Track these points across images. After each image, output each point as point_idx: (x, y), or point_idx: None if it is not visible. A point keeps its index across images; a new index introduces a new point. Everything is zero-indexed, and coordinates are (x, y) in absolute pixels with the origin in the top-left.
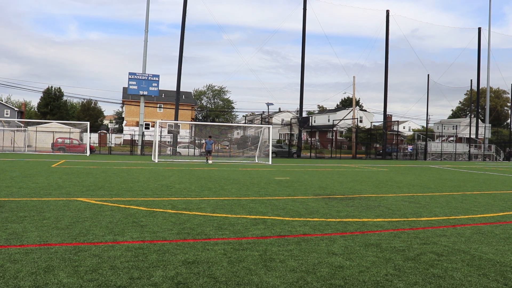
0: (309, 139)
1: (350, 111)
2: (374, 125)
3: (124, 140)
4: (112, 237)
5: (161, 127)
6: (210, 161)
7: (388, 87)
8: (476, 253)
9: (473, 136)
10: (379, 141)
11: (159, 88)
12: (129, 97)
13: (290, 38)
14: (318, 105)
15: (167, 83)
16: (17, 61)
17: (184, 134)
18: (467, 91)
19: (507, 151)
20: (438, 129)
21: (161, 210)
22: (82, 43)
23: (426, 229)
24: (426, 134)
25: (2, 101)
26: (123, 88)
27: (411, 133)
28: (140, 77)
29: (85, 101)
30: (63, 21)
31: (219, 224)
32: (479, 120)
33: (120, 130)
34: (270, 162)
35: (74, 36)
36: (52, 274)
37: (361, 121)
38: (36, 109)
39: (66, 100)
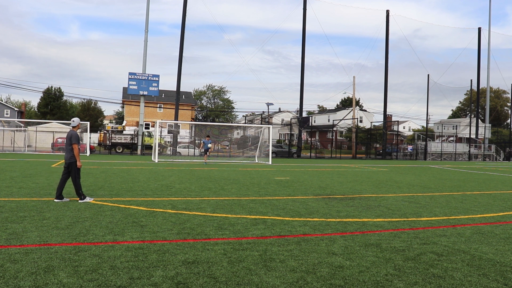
0: (309, 139)
1: (350, 111)
2: (374, 125)
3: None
4: (112, 237)
5: (161, 127)
6: (205, 161)
7: (388, 87)
8: (476, 253)
9: (473, 136)
10: (379, 141)
11: (159, 88)
12: (129, 97)
13: (292, 38)
14: (318, 105)
15: (167, 83)
16: (18, 61)
17: (184, 134)
18: (467, 91)
19: (507, 151)
20: (438, 129)
21: (161, 210)
22: (83, 43)
23: (426, 229)
24: (426, 134)
25: (2, 101)
26: (123, 88)
27: (411, 133)
28: (140, 77)
29: (85, 101)
30: (64, 21)
31: (219, 224)
32: (479, 120)
33: (120, 130)
34: (270, 162)
35: (75, 36)
36: (52, 274)
37: (361, 121)
38: (36, 109)
39: (66, 100)
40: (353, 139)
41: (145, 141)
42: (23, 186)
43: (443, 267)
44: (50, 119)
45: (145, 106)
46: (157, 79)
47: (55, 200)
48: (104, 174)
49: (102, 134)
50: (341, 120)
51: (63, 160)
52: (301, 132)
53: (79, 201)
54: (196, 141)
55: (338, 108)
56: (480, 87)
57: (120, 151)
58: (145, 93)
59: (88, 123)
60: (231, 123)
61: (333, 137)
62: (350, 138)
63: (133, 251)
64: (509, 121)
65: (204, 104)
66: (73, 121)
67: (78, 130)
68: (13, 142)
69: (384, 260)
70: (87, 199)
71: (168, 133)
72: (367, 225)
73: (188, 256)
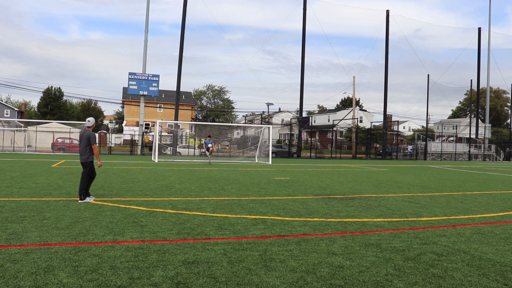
0: (309, 139)
1: (350, 111)
2: (374, 125)
3: (124, 140)
4: (112, 237)
5: (161, 127)
6: (210, 161)
7: (388, 87)
8: (476, 253)
9: (473, 136)
10: (379, 141)
11: (159, 88)
12: (129, 97)
13: (292, 38)
14: (318, 105)
15: (167, 83)
16: (19, 61)
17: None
18: (467, 91)
19: (507, 151)
20: (438, 129)
21: (161, 210)
22: (84, 43)
23: (426, 229)
24: (426, 134)
25: (2, 101)
26: (123, 88)
27: (411, 133)
28: (140, 77)
29: (85, 101)
30: (64, 21)
31: (219, 224)
32: (479, 120)
33: (120, 130)
34: (270, 162)
35: (75, 36)
36: (52, 274)
37: (361, 121)
38: (36, 109)
39: (66, 100)
40: (353, 139)
41: (190, 142)
42: (23, 186)
43: (443, 267)
44: (50, 119)
45: (145, 106)
46: (157, 79)
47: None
48: (104, 174)
49: (148, 136)
50: (341, 120)
51: (64, 160)
52: (301, 132)
53: (79, 201)
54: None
55: (338, 108)
56: (480, 87)
57: (165, 152)
58: (145, 93)
59: None
60: (231, 123)
61: (333, 137)
62: (350, 138)
63: (133, 251)
64: (509, 121)
65: (204, 104)
66: (88, 121)
67: (79, 130)
68: (13, 142)
69: (384, 260)
70: (87, 199)
71: (168, 133)
72: (367, 225)
73: (188, 256)
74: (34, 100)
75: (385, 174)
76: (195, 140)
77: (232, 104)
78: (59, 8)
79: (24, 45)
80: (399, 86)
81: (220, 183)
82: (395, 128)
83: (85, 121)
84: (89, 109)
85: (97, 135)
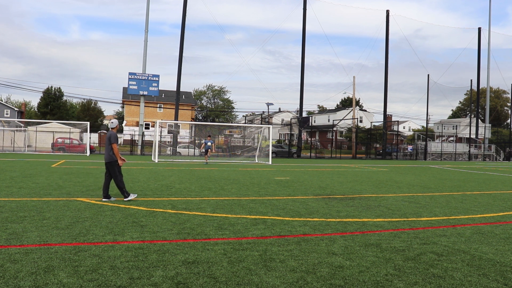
0: (309, 139)
1: (350, 111)
2: (374, 125)
3: (124, 140)
4: (112, 237)
5: (161, 127)
6: (206, 161)
7: (389, 87)
8: (476, 253)
9: (473, 136)
10: (379, 141)
11: (159, 88)
12: (129, 97)
13: (293, 38)
14: (318, 105)
15: (168, 83)
16: (19, 61)
17: (184, 134)
18: (467, 91)
19: (507, 151)
20: (438, 129)
21: (161, 210)
22: (84, 43)
23: (426, 229)
24: (426, 134)
25: (2, 101)
26: (123, 88)
27: (411, 133)
28: (140, 77)
29: (85, 101)
30: (65, 21)
31: (219, 224)
32: (479, 120)
33: (120, 130)
34: (270, 162)
35: (76, 36)
36: (52, 274)
37: (361, 121)
38: (36, 109)
39: (66, 100)
40: (353, 139)
41: (262, 144)
42: (23, 186)
43: (443, 267)
44: (50, 119)
45: (145, 106)
46: (157, 79)
47: (103, 199)
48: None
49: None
50: (341, 120)
51: (64, 160)
52: (301, 132)
53: (124, 199)
54: (196, 141)
55: (338, 108)
56: (480, 87)
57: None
58: (145, 93)
59: (88, 123)
60: (231, 123)
61: (333, 137)
62: (350, 138)
63: (133, 251)
64: (509, 121)
65: (204, 104)
66: (111, 122)
67: (79, 130)
68: (13, 142)
69: (384, 260)
70: (131, 196)
71: (168, 133)
72: (367, 225)
73: (188, 256)
74: (34, 100)
75: (385, 174)
76: (266, 140)
77: (232, 104)
78: (59, 8)
79: (25, 45)
80: (399, 86)
81: (220, 183)
82: (395, 128)
83: (85, 121)
84: (89, 109)
85: (97, 135)
